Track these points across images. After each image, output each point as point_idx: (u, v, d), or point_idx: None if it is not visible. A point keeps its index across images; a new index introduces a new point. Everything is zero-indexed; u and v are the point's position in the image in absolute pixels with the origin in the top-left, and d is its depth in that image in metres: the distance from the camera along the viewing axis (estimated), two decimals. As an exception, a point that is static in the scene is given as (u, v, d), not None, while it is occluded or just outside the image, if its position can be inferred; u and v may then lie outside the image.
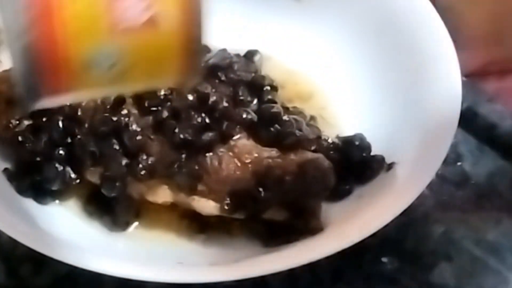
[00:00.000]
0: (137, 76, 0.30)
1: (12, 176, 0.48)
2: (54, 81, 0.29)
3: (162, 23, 0.29)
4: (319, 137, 0.50)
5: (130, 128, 0.46)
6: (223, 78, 0.49)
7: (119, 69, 0.29)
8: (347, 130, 0.52)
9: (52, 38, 0.28)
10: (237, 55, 0.53)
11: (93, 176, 0.47)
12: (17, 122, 0.47)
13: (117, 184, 0.46)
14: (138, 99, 0.46)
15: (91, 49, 0.29)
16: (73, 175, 0.47)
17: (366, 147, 0.50)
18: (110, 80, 0.30)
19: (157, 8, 0.29)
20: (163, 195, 0.46)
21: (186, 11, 0.29)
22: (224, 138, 0.46)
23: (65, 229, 0.46)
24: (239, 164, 0.45)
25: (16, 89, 0.31)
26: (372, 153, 0.50)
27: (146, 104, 0.46)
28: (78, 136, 0.46)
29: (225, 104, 0.47)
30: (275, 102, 0.50)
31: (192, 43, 0.30)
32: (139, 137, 0.46)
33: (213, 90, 0.47)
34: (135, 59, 0.29)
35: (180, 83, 0.32)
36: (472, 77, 0.57)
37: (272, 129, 0.48)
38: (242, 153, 0.46)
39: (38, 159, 0.47)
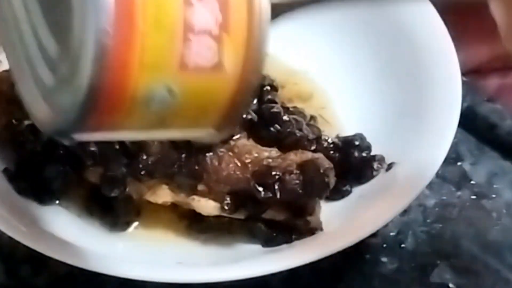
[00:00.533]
0: (183, 121, 0.30)
1: (12, 176, 0.48)
2: (109, 113, 0.28)
3: (227, 69, 0.29)
4: (319, 137, 0.50)
5: (130, 128, 0.46)
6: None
7: (172, 110, 0.29)
8: (347, 130, 0.52)
9: (126, 66, 0.27)
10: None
11: (93, 176, 0.47)
12: (17, 122, 0.47)
13: (117, 184, 0.46)
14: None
15: (157, 82, 0.28)
16: (73, 175, 0.47)
17: (366, 147, 0.50)
18: (158, 120, 0.29)
19: (225, 53, 0.28)
20: (163, 195, 0.46)
21: (249, 60, 0.29)
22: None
23: (65, 229, 0.46)
24: (239, 164, 0.45)
25: (45, 119, 0.29)
26: (372, 153, 0.50)
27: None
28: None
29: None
30: (275, 102, 0.50)
31: (247, 92, 0.30)
32: (139, 137, 0.46)
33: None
34: (189, 100, 0.29)
35: (215, 133, 0.31)
36: (474, 73, 0.57)
37: (272, 129, 0.48)
38: (242, 153, 0.46)
39: (38, 159, 0.47)
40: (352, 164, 0.49)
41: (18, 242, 0.42)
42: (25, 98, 0.31)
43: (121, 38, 0.27)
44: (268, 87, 0.51)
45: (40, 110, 0.30)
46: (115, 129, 0.29)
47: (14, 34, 0.31)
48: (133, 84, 0.27)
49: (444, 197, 0.52)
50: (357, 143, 0.50)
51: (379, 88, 0.54)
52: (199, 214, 0.47)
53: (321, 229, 0.46)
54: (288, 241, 0.46)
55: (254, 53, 0.29)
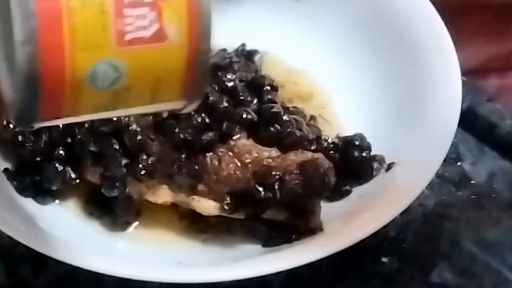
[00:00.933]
0: (140, 95, 0.29)
1: (12, 176, 0.48)
2: (56, 98, 0.27)
3: (170, 36, 0.28)
4: (319, 137, 0.50)
5: (130, 128, 0.46)
6: (223, 78, 0.49)
7: (122, 85, 0.28)
8: (347, 130, 0.52)
9: (57, 48, 0.26)
10: (237, 55, 0.53)
11: (93, 176, 0.47)
12: (17, 122, 0.47)
13: (117, 184, 0.46)
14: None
15: (96, 60, 0.27)
16: (73, 175, 0.47)
17: (366, 147, 0.50)
18: (113, 97, 0.28)
19: (166, 21, 0.27)
20: (163, 195, 0.46)
21: (195, 24, 0.28)
22: (224, 138, 0.46)
23: (65, 229, 0.46)
24: (239, 164, 0.45)
25: (9, 108, 0.28)
26: (372, 153, 0.50)
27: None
28: (78, 136, 0.46)
29: (225, 104, 0.47)
30: (275, 102, 0.50)
31: (200, 58, 0.28)
32: (139, 137, 0.45)
33: (213, 90, 0.47)
34: (139, 74, 0.28)
35: (183, 104, 0.30)
36: (473, 74, 0.57)
37: (272, 129, 0.48)
38: (242, 153, 0.46)
39: (38, 159, 0.47)
40: (352, 164, 0.49)
41: (18, 242, 0.42)
42: (5, 91, 0.30)
43: (46, 19, 0.26)
44: (268, 87, 0.51)
45: (9, 99, 0.29)
46: (73, 111, 0.28)
47: None
48: (69, 65, 0.27)
49: (444, 197, 0.52)
50: (357, 143, 0.50)
51: (379, 88, 0.54)
52: (199, 214, 0.47)
53: (321, 229, 0.46)
54: (288, 241, 0.46)
55: (198, 17, 0.28)
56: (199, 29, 0.28)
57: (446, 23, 0.52)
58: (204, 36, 0.28)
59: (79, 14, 0.26)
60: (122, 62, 0.27)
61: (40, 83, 0.27)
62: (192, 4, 0.28)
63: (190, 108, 0.31)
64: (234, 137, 0.46)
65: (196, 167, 0.45)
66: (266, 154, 0.46)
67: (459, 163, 0.54)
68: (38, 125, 0.30)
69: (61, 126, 0.46)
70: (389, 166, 0.49)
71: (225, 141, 0.46)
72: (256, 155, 0.46)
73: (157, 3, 0.27)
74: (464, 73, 0.51)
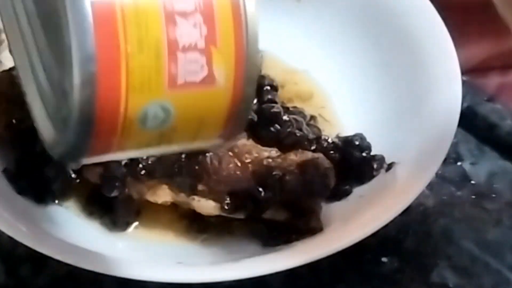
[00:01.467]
0: (184, 134, 0.30)
1: (12, 176, 0.48)
2: (106, 138, 0.28)
3: (218, 80, 0.28)
4: (319, 137, 0.50)
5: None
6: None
7: (169, 125, 0.29)
8: (347, 130, 0.52)
9: (115, 91, 0.27)
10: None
11: (93, 176, 0.47)
12: (17, 122, 0.47)
13: (117, 184, 0.46)
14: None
15: (149, 102, 0.28)
16: (73, 175, 0.47)
17: (366, 147, 0.50)
18: (158, 137, 0.29)
19: (214, 66, 0.28)
20: (163, 195, 0.46)
21: (242, 70, 0.29)
22: (224, 138, 0.46)
23: (65, 229, 0.46)
24: (239, 164, 0.45)
25: (52, 146, 0.29)
26: (372, 153, 0.50)
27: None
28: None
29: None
30: (275, 102, 0.50)
31: (243, 102, 0.29)
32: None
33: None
34: (186, 116, 0.29)
35: (221, 142, 0.31)
36: (473, 72, 0.57)
37: (272, 129, 0.48)
38: (242, 153, 0.46)
39: (38, 159, 0.47)
40: (352, 164, 0.49)
41: (18, 242, 0.42)
42: (36, 121, 0.31)
43: (105, 63, 0.27)
44: (268, 87, 0.51)
45: (50, 136, 0.30)
46: (118, 150, 0.29)
47: (24, 56, 0.31)
48: (123, 106, 0.27)
49: (444, 197, 0.52)
50: (357, 143, 0.50)
51: (379, 88, 0.54)
52: (199, 214, 0.47)
53: (321, 229, 0.46)
54: (288, 241, 0.46)
55: (245, 63, 0.29)
56: (246, 74, 0.29)
57: (446, 23, 0.52)
58: (249, 81, 0.29)
59: (136, 58, 0.27)
60: (171, 104, 0.28)
61: (93, 125, 0.27)
62: (240, 50, 0.29)
63: (227, 146, 0.32)
64: (234, 137, 0.46)
65: (196, 167, 0.45)
66: (266, 154, 0.46)
67: (459, 163, 0.54)
68: (81, 163, 0.31)
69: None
70: (389, 166, 0.49)
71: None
72: (256, 155, 0.46)
73: (208, 49, 0.28)
74: (464, 72, 0.51)
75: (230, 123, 0.30)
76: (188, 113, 0.29)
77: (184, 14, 0.27)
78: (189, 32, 0.27)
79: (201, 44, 0.28)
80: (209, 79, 0.28)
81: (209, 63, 0.28)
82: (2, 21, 0.32)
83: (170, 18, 0.27)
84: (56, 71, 0.28)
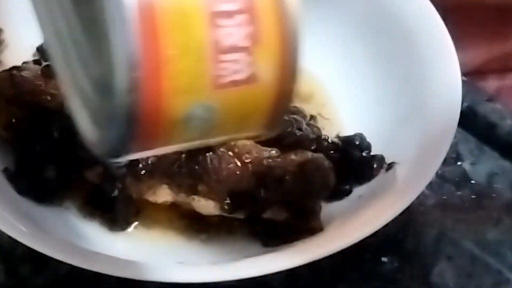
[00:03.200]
0: (226, 130, 0.30)
1: (12, 176, 0.48)
2: (149, 139, 0.28)
3: (261, 78, 0.28)
4: (319, 137, 0.50)
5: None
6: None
7: (211, 124, 0.29)
8: (347, 129, 0.52)
9: (158, 95, 0.27)
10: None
11: (93, 176, 0.47)
12: (17, 122, 0.47)
13: (117, 184, 0.46)
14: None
15: (193, 104, 0.28)
16: (73, 175, 0.47)
17: (366, 147, 0.50)
18: (200, 134, 0.29)
19: (259, 64, 0.28)
20: (163, 195, 0.46)
21: (285, 67, 0.29)
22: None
23: (65, 229, 0.46)
24: (239, 164, 0.45)
25: (94, 144, 0.30)
26: (372, 153, 0.50)
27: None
28: (79, 136, 0.46)
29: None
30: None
31: (285, 98, 0.29)
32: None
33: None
34: (229, 113, 0.29)
35: (262, 135, 0.31)
36: (472, 75, 0.57)
37: (272, 129, 0.47)
38: (242, 153, 0.46)
39: (38, 159, 0.47)
40: (352, 164, 0.49)
41: (18, 242, 0.42)
42: (78, 122, 0.31)
43: (149, 67, 0.27)
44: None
45: (90, 134, 0.30)
46: (159, 147, 0.30)
47: (63, 56, 0.31)
48: (168, 109, 0.27)
49: (444, 197, 0.52)
50: (357, 143, 0.50)
51: (379, 88, 0.54)
52: (199, 214, 0.47)
53: (321, 229, 0.46)
54: (288, 241, 0.46)
55: (288, 57, 0.29)
56: (288, 70, 0.29)
57: (446, 23, 0.52)
58: (292, 77, 0.29)
59: (180, 61, 0.27)
60: (215, 104, 0.28)
61: (137, 127, 0.28)
62: (283, 46, 0.29)
63: (266, 137, 0.32)
64: (234, 137, 0.46)
65: (196, 167, 0.45)
66: (266, 154, 0.46)
67: (459, 163, 0.54)
68: (123, 159, 0.31)
69: (61, 125, 0.46)
70: (389, 166, 0.49)
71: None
72: (256, 155, 0.46)
73: (252, 47, 0.28)
74: (464, 73, 0.51)
75: (272, 117, 0.30)
76: (232, 110, 0.29)
77: (228, 14, 0.27)
78: (233, 32, 0.27)
79: (245, 43, 0.28)
80: (253, 77, 0.28)
81: (253, 61, 0.28)
82: (37, 18, 0.32)
83: (214, 18, 0.27)
84: (96, 70, 0.28)
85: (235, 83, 0.28)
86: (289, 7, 0.28)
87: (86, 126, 0.30)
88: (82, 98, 0.30)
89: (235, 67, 0.28)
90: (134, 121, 0.27)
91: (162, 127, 0.28)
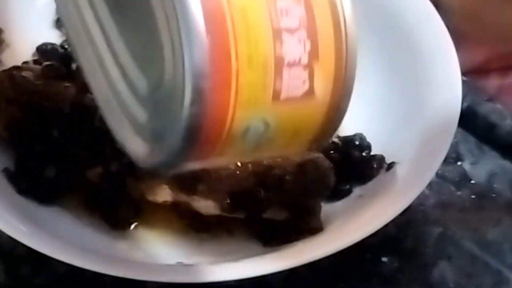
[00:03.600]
0: (278, 145, 0.30)
1: (12, 176, 0.48)
2: (206, 151, 0.28)
3: (316, 94, 0.29)
4: (319, 137, 0.50)
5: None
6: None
7: (265, 138, 0.29)
8: (347, 129, 0.52)
9: (224, 107, 0.27)
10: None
11: (93, 176, 0.47)
12: (17, 122, 0.47)
13: (117, 184, 0.46)
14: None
15: (253, 117, 0.28)
16: (73, 175, 0.47)
17: (366, 147, 0.50)
18: (253, 149, 0.29)
19: (316, 80, 0.28)
20: (163, 195, 0.46)
21: (340, 84, 0.29)
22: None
23: (65, 229, 0.46)
24: (239, 164, 0.45)
25: (146, 158, 0.29)
26: (372, 153, 0.50)
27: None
28: (79, 136, 0.46)
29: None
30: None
31: (337, 116, 0.30)
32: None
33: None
34: (283, 128, 0.29)
35: (310, 150, 0.32)
36: (473, 74, 0.57)
37: (272, 129, 0.47)
38: (242, 153, 0.46)
39: (38, 159, 0.47)
40: (352, 164, 0.49)
41: (18, 242, 0.42)
42: (116, 132, 0.31)
43: (217, 80, 0.27)
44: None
45: (135, 145, 0.30)
46: (216, 159, 0.30)
47: (99, 69, 0.31)
48: (229, 122, 0.28)
49: (444, 197, 0.52)
50: (357, 143, 0.50)
51: (379, 88, 0.54)
52: (199, 214, 0.47)
53: (321, 229, 0.46)
54: (288, 241, 0.46)
55: (343, 75, 0.29)
56: (343, 87, 0.29)
57: (446, 24, 0.52)
58: (346, 95, 0.30)
59: (245, 74, 0.27)
60: (272, 118, 0.28)
61: (197, 139, 0.28)
62: (339, 64, 0.29)
63: (306, 153, 0.32)
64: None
65: (196, 167, 0.45)
66: (266, 154, 0.46)
67: (459, 163, 0.54)
68: (175, 172, 0.31)
69: (61, 125, 0.46)
70: (389, 166, 0.49)
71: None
72: (256, 155, 0.46)
73: (311, 64, 0.28)
74: (464, 73, 0.51)
75: (321, 133, 0.30)
76: (286, 125, 0.29)
77: (290, 30, 0.28)
78: (294, 48, 0.28)
79: (305, 59, 0.28)
80: (309, 93, 0.28)
81: (311, 77, 0.28)
82: (67, 30, 0.32)
83: (278, 34, 0.27)
84: (144, 83, 0.28)
85: (292, 98, 0.28)
86: (347, 25, 0.29)
87: (131, 139, 0.30)
88: (124, 112, 0.30)
89: (294, 83, 0.28)
90: (196, 132, 0.27)
91: (222, 139, 0.28)
